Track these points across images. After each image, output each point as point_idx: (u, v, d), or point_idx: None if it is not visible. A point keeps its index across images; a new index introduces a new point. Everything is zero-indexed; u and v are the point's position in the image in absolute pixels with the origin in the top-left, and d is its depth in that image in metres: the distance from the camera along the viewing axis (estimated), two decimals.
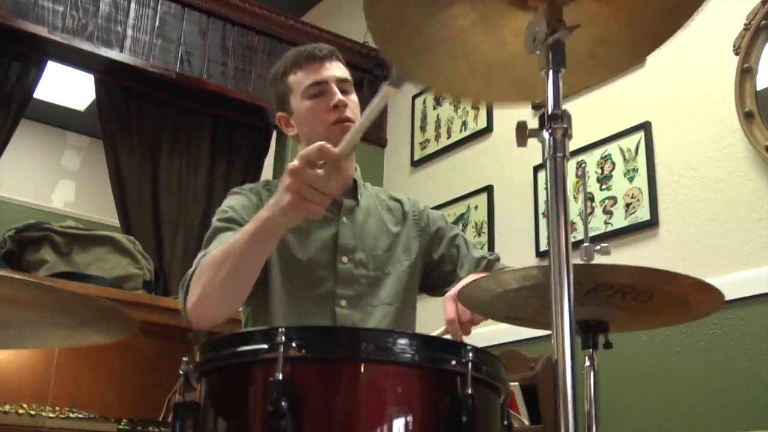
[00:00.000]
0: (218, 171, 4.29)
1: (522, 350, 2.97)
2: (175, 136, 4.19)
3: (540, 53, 1.19)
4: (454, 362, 1.09)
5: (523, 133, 1.17)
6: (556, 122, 1.14)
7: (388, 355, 1.08)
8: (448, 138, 4.17)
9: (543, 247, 3.42)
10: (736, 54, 2.91)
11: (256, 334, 1.12)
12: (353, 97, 2.10)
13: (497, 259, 2.26)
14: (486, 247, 3.68)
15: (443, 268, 2.19)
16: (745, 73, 2.87)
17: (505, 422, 1.25)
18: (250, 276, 1.73)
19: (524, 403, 2.77)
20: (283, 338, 1.04)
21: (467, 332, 1.82)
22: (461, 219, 3.89)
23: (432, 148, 4.26)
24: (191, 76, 4.06)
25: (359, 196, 2.16)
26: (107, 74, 4.01)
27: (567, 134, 1.14)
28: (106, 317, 1.37)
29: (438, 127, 4.26)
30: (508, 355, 3.30)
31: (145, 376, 3.04)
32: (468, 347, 1.10)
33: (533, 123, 1.18)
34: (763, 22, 2.86)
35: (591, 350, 1.57)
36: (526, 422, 2.66)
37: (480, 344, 3.27)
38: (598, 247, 1.63)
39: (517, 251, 3.50)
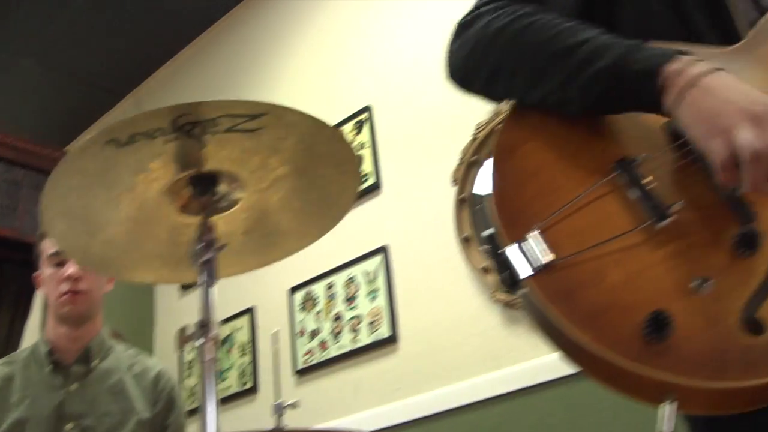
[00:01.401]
0: None
1: None
2: None
3: (197, 268, 1.45)
4: None
5: (183, 338, 1.41)
6: (206, 331, 1.38)
7: None
8: None
9: (300, 365, 3.63)
10: (455, 185, 3.23)
11: None
12: None
13: None
14: (252, 366, 3.86)
15: None
16: (462, 203, 3.19)
17: None
18: None
19: None
20: None
21: None
22: (227, 341, 4.04)
23: None
24: None
25: (93, 362, 2.25)
26: None
27: (216, 342, 1.38)
28: None
29: None
30: None
31: None
32: None
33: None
34: (473, 158, 3.19)
35: None
36: None
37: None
38: (288, 403, 1.88)
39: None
